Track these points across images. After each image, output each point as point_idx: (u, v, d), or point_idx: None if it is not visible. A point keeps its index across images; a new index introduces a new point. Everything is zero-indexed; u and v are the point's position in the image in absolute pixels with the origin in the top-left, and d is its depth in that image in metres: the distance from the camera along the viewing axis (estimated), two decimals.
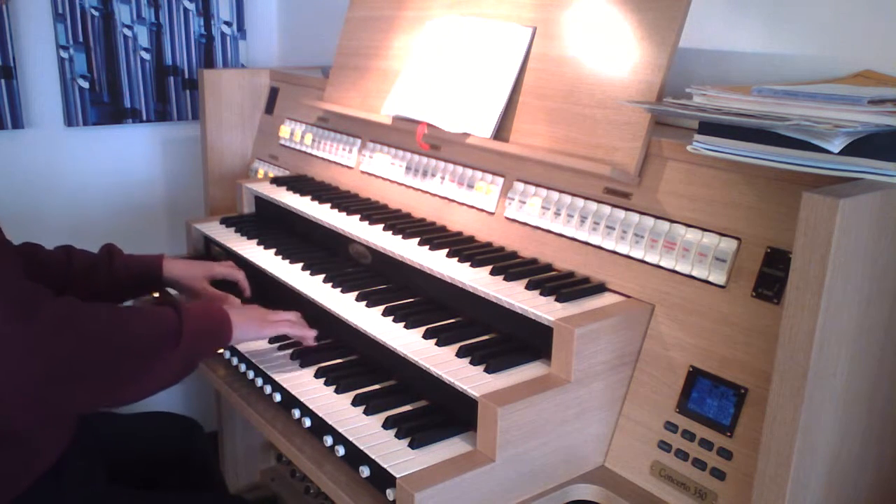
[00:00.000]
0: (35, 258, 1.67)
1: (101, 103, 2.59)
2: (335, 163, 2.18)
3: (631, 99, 1.43)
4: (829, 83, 1.32)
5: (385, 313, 1.54)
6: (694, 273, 1.31)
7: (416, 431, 1.29)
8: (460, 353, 1.38)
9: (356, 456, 1.28)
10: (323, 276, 1.71)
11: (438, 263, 1.56)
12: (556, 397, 1.26)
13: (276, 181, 2.19)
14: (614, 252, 1.44)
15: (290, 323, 1.58)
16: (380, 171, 2.01)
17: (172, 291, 1.91)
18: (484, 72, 1.70)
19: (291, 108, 2.45)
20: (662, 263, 1.36)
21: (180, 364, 1.39)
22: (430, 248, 1.63)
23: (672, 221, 1.37)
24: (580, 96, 1.53)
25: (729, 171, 1.29)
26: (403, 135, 1.94)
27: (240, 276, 1.86)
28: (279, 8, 2.96)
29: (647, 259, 1.38)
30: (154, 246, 2.69)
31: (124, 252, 1.80)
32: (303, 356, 1.57)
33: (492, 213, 1.69)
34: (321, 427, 1.37)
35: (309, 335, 1.59)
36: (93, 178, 2.66)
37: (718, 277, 1.28)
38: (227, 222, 2.14)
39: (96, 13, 2.52)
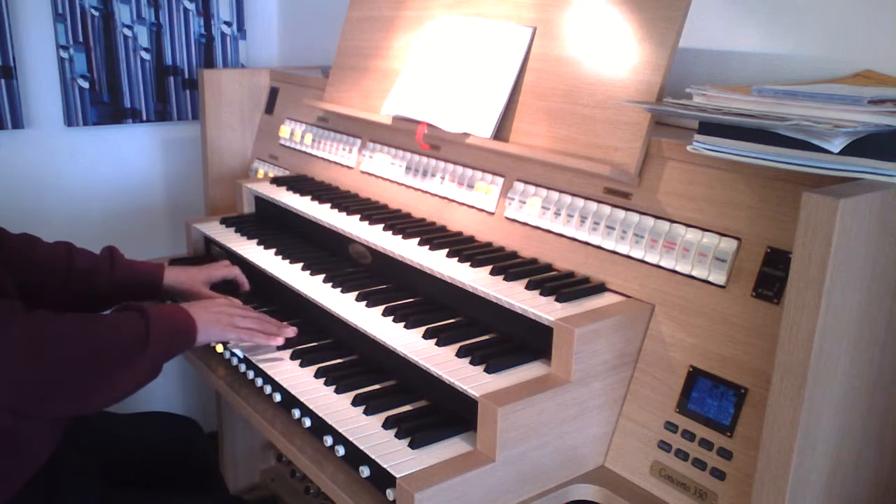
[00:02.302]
0: (34, 251, 1.67)
1: (101, 103, 2.59)
2: (335, 163, 2.18)
3: (631, 99, 1.43)
4: (829, 83, 1.32)
5: (385, 313, 1.54)
6: (694, 273, 1.31)
7: (416, 431, 1.29)
8: (460, 353, 1.38)
9: (356, 456, 1.28)
10: (323, 276, 1.71)
11: (438, 263, 1.56)
12: (556, 397, 1.26)
13: (276, 181, 2.19)
14: (614, 252, 1.44)
15: (250, 331, 1.56)
16: (380, 171, 2.01)
17: None
18: (484, 72, 1.70)
19: (291, 108, 2.45)
20: (662, 263, 1.36)
21: (147, 369, 1.41)
22: (430, 248, 1.63)
23: (672, 221, 1.37)
24: (580, 96, 1.53)
25: (729, 171, 1.29)
26: (403, 135, 1.94)
27: (236, 271, 1.87)
28: (279, 8, 2.96)
29: (647, 259, 1.38)
30: (154, 246, 2.70)
31: (125, 255, 1.80)
32: (303, 356, 1.57)
33: (492, 213, 1.69)
34: (321, 427, 1.37)
35: (277, 341, 1.59)
36: (93, 178, 2.66)
37: (718, 277, 1.28)
38: (227, 222, 2.14)
39: (96, 13, 2.52)
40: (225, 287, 1.86)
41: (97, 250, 1.78)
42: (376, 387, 1.47)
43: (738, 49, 1.59)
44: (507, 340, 1.44)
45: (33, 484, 1.39)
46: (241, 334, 1.55)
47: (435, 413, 1.38)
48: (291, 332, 1.62)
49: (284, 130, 2.40)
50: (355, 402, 1.41)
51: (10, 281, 1.47)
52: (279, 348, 1.61)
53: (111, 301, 1.75)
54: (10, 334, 1.25)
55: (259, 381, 1.55)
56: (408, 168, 1.92)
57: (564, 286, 1.41)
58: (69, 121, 2.54)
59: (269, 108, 2.56)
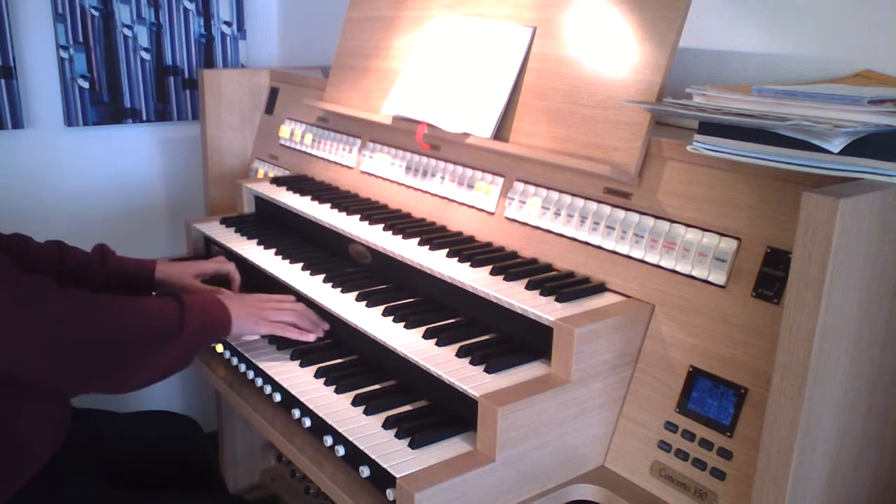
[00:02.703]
0: (26, 251, 1.67)
1: (101, 103, 2.59)
2: (335, 163, 2.18)
3: (631, 99, 1.43)
4: (829, 83, 1.32)
5: (385, 313, 1.54)
6: (694, 273, 1.31)
7: (416, 431, 1.29)
8: (460, 353, 1.38)
9: (356, 456, 1.28)
10: (323, 275, 1.71)
11: (438, 263, 1.56)
12: (556, 397, 1.26)
13: (276, 181, 2.19)
14: (614, 252, 1.44)
15: (283, 326, 1.58)
16: (380, 171, 2.01)
17: None
18: (484, 72, 1.70)
19: (291, 108, 2.45)
20: (662, 263, 1.36)
21: (179, 356, 1.43)
22: (430, 248, 1.63)
23: (672, 221, 1.37)
24: (580, 96, 1.53)
25: (729, 171, 1.29)
26: (403, 135, 1.94)
27: (230, 267, 1.87)
28: (279, 8, 2.96)
29: (647, 259, 1.38)
30: (154, 246, 2.70)
31: (117, 253, 1.80)
32: (303, 356, 1.57)
33: (492, 213, 1.69)
34: (321, 427, 1.37)
35: (308, 337, 1.60)
36: (93, 178, 2.66)
37: (718, 277, 1.28)
38: (227, 222, 2.14)
39: (96, 13, 2.52)
40: (217, 283, 1.86)
41: (90, 250, 1.78)
42: (376, 387, 1.47)
43: (738, 49, 1.59)
44: (507, 340, 1.44)
45: (34, 483, 1.39)
46: (273, 329, 1.57)
47: (435, 413, 1.38)
48: (326, 325, 1.64)
49: (284, 130, 2.40)
50: (355, 402, 1.41)
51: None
52: (279, 349, 1.62)
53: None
54: (47, 310, 1.28)
55: (259, 381, 1.55)
56: (408, 168, 1.92)
57: (564, 286, 1.41)
58: (69, 121, 2.54)
59: (269, 108, 2.56)
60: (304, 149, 2.32)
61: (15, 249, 1.65)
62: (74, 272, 1.70)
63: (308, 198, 2.02)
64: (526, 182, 1.63)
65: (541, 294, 1.40)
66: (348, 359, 1.59)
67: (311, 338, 1.60)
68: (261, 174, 2.48)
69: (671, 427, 1.30)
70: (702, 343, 1.29)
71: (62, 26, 2.46)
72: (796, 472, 1.05)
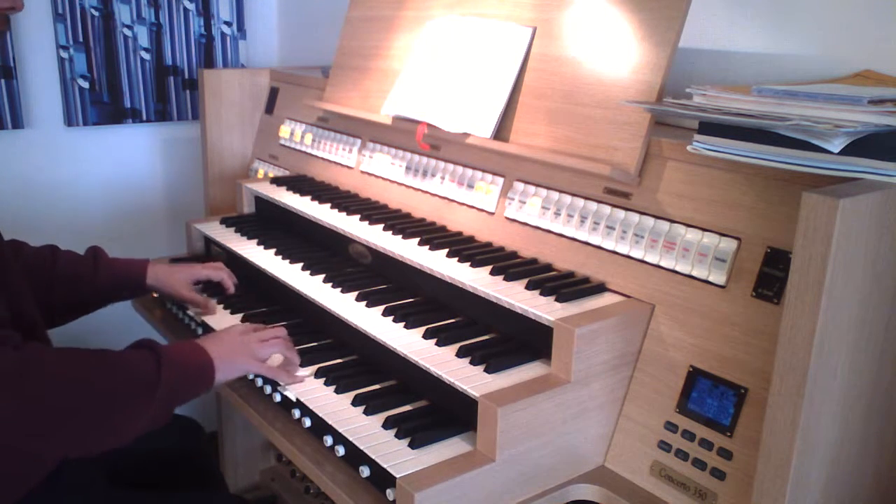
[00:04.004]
0: (20, 257, 1.66)
1: (101, 103, 2.59)
2: (335, 163, 2.18)
3: (631, 99, 1.43)
4: (829, 83, 1.32)
5: (385, 313, 1.54)
6: (694, 273, 1.31)
7: (416, 431, 1.29)
8: (460, 353, 1.38)
9: (356, 456, 1.28)
10: (323, 276, 1.71)
11: (438, 263, 1.56)
12: (556, 397, 1.26)
13: (276, 181, 2.19)
14: (614, 252, 1.44)
15: (276, 370, 1.47)
16: (380, 171, 2.01)
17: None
18: (484, 72, 1.70)
19: (291, 108, 2.45)
20: (662, 263, 1.36)
21: (156, 414, 1.31)
22: (430, 248, 1.63)
23: (672, 221, 1.37)
24: (580, 96, 1.53)
25: (729, 171, 1.29)
26: (403, 135, 1.94)
27: (223, 275, 1.86)
28: (279, 8, 2.96)
29: (647, 259, 1.38)
30: (154, 246, 2.70)
31: (122, 257, 1.79)
32: (303, 356, 1.56)
33: (492, 213, 1.69)
34: (321, 427, 1.37)
35: (295, 380, 1.49)
36: (93, 178, 2.66)
37: (718, 277, 1.28)
38: (227, 222, 2.14)
39: (96, 13, 2.52)
40: (210, 288, 1.86)
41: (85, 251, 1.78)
42: (376, 387, 1.47)
43: (738, 49, 1.59)
44: (507, 340, 1.44)
45: (37, 485, 1.39)
46: (268, 373, 1.47)
47: (435, 413, 1.38)
48: (307, 371, 1.52)
49: (284, 130, 2.40)
50: (355, 402, 1.41)
51: (2, 303, 1.41)
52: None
53: (97, 301, 1.74)
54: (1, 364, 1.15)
55: (259, 381, 1.55)
56: (408, 168, 1.92)
57: (564, 286, 1.41)
58: (69, 121, 2.54)
59: (269, 108, 2.56)
60: (304, 149, 2.32)
61: (10, 257, 1.64)
62: (66, 278, 1.68)
63: (308, 198, 2.02)
64: (526, 182, 1.63)
65: (541, 294, 1.40)
66: (348, 359, 1.59)
67: (301, 380, 1.49)
68: (261, 174, 2.48)
69: (671, 427, 1.30)
70: (702, 343, 1.29)
71: (62, 26, 2.46)
72: (796, 472, 1.05)
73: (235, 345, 1.45)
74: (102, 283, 1.73)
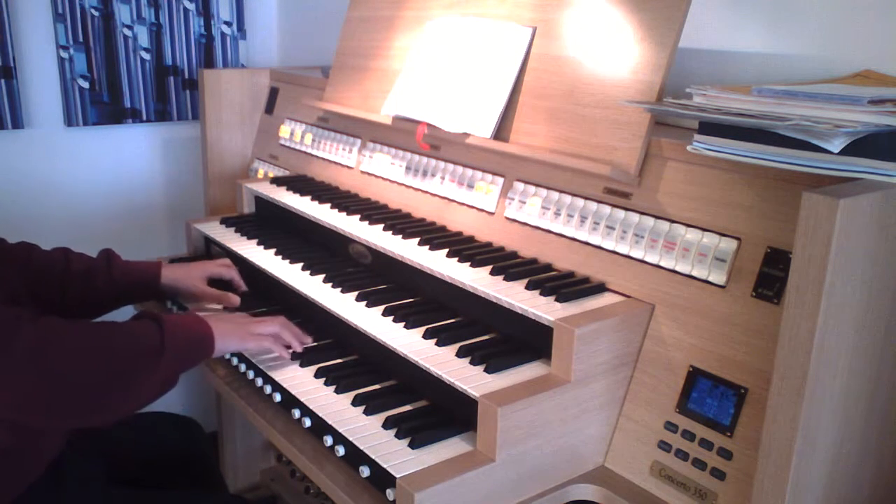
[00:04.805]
0: (31, 259, 1.66)
1: (101, 103, 2.59)
2: (335, 163, 2.18)
3: (631, 99, 1.43)
4: (829, 83, 1.32)
5: (385, 313, 1.54)
6: (694, 273, 1.31)
7: (416, 431, 1.29)
8: (460, 353, 1.38)
9: (356, 456, 1.28)
10: (323, 276, 1.71)
11: (438, 263, 1.56)
12: (555, 397, 1.26)
13: (276, 181, 2.19)
14: (614, 252, 1.44)
15: (272, 338, 1.54)
16: (380, 171, 2.01)
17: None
18: (484, 72, 1.70)
19: (291, 108, 2.45)
20: (662, 263, 1.36)
21: (162, 380, 1.37)
22: (430, 248, 1.63)
23: (672, 221, 1.37)
24: (580, 96, 1.53)
25: (729, 171, 1.29)
26: (403, 135, 1.94)
27: (233, 273, 1.86)
28: (279, 8, 2.96)
29: (647, 259, 1.38)
30: (154, 246, 2.70)
31: (122, 257, 1.79)
32: (303, 356, 1.57)
33: (492, 213, 1.69)
34: (321, 427, 1.37)
35: (295, 346, 1.56)
36: (93, 178, 2.66)
37: (718, 277, 1.28)
38: (227, 222, 2.14)
39: (96, 13, 2.52)
40: (222, 287, 1.86)
41: (97, 250, 1.78)
42: (376, 387, 1.47)
43: (738, 49, 1.59)
44: (507, 340, 1.44)
45: (36, 484, 1.39)
46: (261, 342, 1.52)
47: (435, 413, 1.38)
48: (308, 340, 1.60)
49: (284, 130, 2.40)
50: (355, 402, 1.41)
51: (21, 287, 1.44)
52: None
53: (111, 303, 1.74)
54: (16, 347, 1.21)
55: (259, 381, 1.55)
56: (408, 168, 1.92)
57: (564, 286, 1.41)
58: (69, 121, 2.54)
59: (269, 108, 2.56)
60: (304, 149, 2.32)
61: (20, 259, 1.64)
62: (80, 280, 1.69)
63: (308, 198, 2.02)
64: (526, 182, 1.63)
65: (541, 294, 1.40)
66: (348, 359, 1.59)
67: (298, 349, 1.56)
68: (261, 174, 2.48)
69: (671, 427, 1.30)
70: (702, 343, 1.29)
71: (62, 26, 2.46)
72: (796, 472, 1.05)
73: (237, 323, 1.53)
74: (117, 280, 1.73)
